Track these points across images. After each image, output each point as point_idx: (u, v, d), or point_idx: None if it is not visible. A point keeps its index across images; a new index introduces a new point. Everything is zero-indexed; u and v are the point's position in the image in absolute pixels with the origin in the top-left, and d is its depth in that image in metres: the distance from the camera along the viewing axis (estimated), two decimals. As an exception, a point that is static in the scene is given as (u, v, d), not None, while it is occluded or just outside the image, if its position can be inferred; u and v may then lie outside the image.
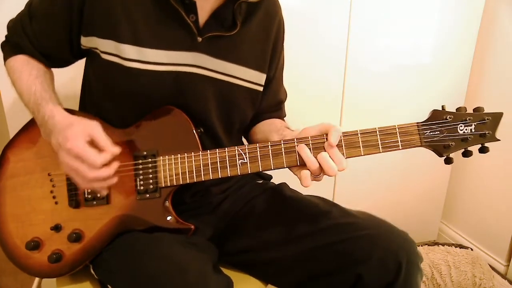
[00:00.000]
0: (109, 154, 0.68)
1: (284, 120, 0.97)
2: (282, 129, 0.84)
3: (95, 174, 0.67)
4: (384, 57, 1.41)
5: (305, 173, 0.68)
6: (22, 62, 0.79)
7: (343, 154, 0.69)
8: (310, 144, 0.70)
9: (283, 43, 0.92)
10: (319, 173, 0.68)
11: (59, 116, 0.72)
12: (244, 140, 0.99)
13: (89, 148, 0.67)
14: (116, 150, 0.69)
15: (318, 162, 0.68)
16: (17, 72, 0.78)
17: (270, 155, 0.71)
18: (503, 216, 1.50)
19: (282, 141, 0.71)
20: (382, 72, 1.42)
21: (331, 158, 0.67)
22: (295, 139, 0.71)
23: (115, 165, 0.70)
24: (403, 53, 1.42)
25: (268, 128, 0.90)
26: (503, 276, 1.43)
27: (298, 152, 0.70)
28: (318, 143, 0.70)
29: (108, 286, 0.74)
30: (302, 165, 0.70)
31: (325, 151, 0.68)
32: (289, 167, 0.73)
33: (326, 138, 0.69)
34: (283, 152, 0.71)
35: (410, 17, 1.39)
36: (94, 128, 0.69)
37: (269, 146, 0.72)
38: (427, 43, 1.45)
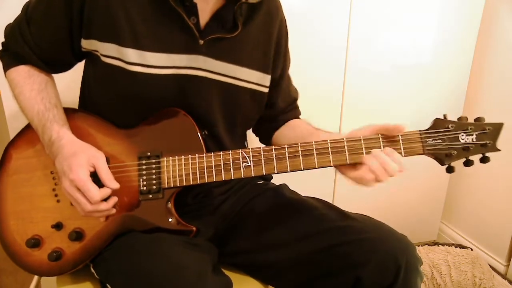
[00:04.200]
0: (108, 190, 0.71)
1: (303, 119, 0.97)
2: (317, 134, 0.83)
3: (93, 208, 0.70)
4: (384, 57, 1.41)
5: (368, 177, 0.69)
6: (23, 75, 0.78)
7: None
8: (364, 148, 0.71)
9: (287, 42, 0.92)
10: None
11: (66, 140, 0.73)
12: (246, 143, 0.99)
13: (90, 182, 0.69)
14: (116, 185, 0.72)
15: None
16: (18, 86, 0.78)
17: (274, 159, 0.72)
18: (503, 216, 1.50)
19: (286, 145, 0.72)
20: (382, 72, 1.42)
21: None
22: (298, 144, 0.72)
23: (114, 200, 0.73)
24: (403, 53, 1.43)
25: (296, 133, 0.90)
26: (503, 276, 1.43)
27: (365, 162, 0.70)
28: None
29: (108, 285, 0.74)
30: (307, 169, 0.71)
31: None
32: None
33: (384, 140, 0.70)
34: (287, 157, 0.72)
35: (410, 17, 1.39)
36: (98, 159, 0.72)
37: (273, 150, 0.72)
38: (427, 43, 1.45)
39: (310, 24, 1.29)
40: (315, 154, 0.71)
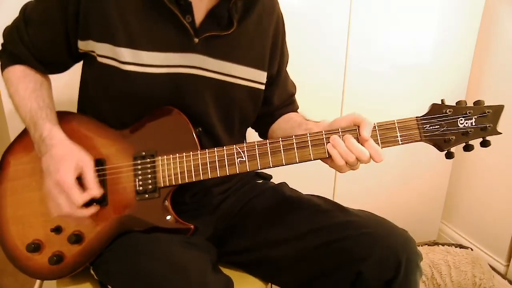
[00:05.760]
0: (90, 196, 0.71)
1: (298, 112, 0.97)
2: (305, 123, 0.82)
3: (71, 211, 0.71)
4: (384, 57, 1.41)
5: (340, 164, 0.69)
6: (19, 75, 0.79)
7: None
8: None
9: (284, 38, 0.91)
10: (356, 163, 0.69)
11: (57, 140, 0.73)
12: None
13: (75, 187, 0.70)
14: (98, 192, 0.72)
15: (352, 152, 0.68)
16: (13, 85, 0.78)
17: (269, 153, 0.71)
18: (503, 216, 1.50)
19: (280, 138, 0.71)
20: (382, 72, 1.42)
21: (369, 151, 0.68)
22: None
23: (95, 208, 0.73)
24: (403, 53, 1.42)
25: (288, 125, 0.89)
26: (503, 276, 1.43)
27: (332, 146, 0.69)
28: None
29: (108, 287, 0.74)
30: (302, 162, 0.71)
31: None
32: (290, 164, 0.73)
33: (359, 132, 0.69)
34: (282, 150, 0.71)
35: (410, 16, 1.38)
36: (86, 165, 0.72)
37: (268, 144, 0.72)
38: (427, 42, 1.45)
39: (310, 24, 1.28)
40: (310, 146, 0.70)
